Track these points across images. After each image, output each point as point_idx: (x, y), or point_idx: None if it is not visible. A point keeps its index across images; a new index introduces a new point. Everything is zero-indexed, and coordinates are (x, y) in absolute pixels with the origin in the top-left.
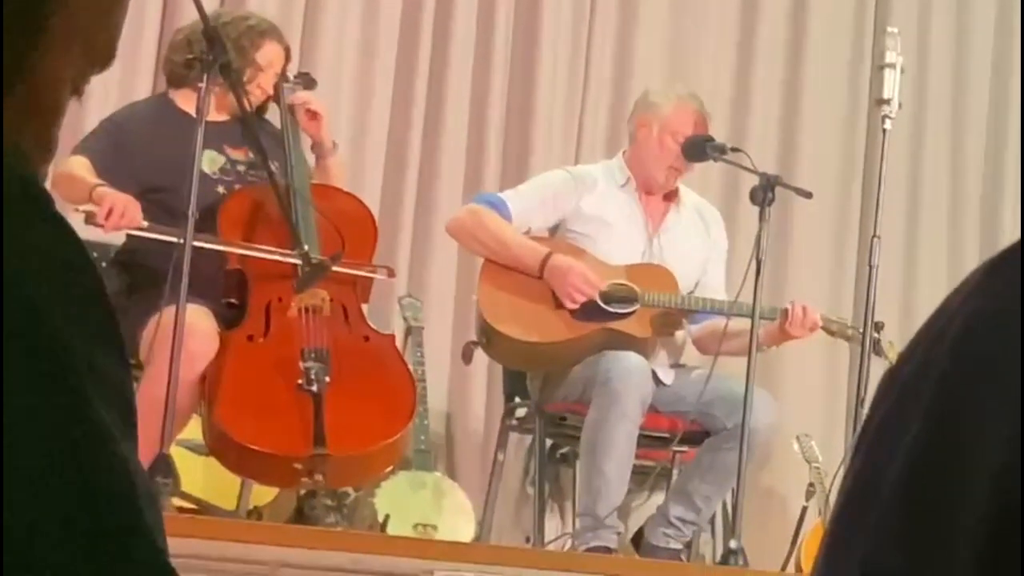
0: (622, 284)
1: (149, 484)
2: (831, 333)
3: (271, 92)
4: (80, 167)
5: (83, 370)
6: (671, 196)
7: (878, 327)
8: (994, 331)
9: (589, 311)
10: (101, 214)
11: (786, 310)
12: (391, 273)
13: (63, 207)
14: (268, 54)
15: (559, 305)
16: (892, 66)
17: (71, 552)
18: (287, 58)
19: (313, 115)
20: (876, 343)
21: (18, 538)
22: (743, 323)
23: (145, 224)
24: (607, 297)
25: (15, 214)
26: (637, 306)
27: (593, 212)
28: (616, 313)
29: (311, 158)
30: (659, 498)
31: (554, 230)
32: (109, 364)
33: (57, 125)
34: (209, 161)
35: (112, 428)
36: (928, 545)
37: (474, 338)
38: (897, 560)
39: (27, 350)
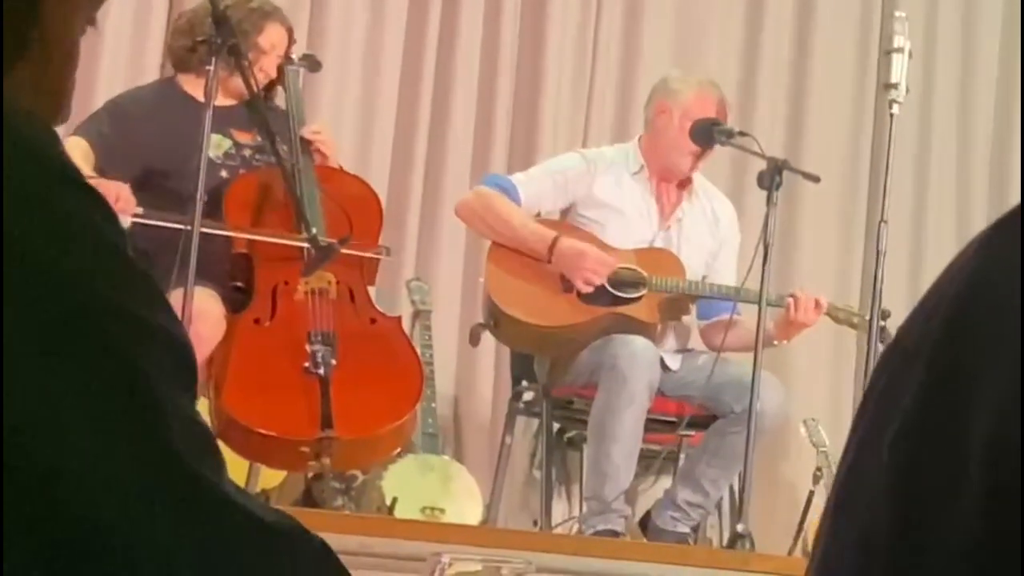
0: (630, 268)
1: (207, 431)
2: (837, 321)
3: (274, 75)
4: (78, 150)
5: (132, 333)
6: (684, 184)
7: (885, 315)
8: (989, 297)
9: (597, 294)
10: None
11: (791, 301)
12: (387, 252)
13: None
14: (271, 37)
15: (567, 289)
16: (900, 50)
17: (153, 519)
18: (291, 39)
19: (323, 156)
20: (882, 330)
21: (100, 520)
22: (751, 319)
23: (140, 210)
24: (615, 281)
25: (45, 191)
26: (645, 290)
27: (604, 198)
28: (624, 297)
29: None
30: (665, 482)
31: (564, 213)
32: (159, 319)
33: (72, 73)
34: (214, 145)
35: (164, 388)
36: (923, 509)
37: (481, 321)
38: (893, 523)
39: (76, 324)
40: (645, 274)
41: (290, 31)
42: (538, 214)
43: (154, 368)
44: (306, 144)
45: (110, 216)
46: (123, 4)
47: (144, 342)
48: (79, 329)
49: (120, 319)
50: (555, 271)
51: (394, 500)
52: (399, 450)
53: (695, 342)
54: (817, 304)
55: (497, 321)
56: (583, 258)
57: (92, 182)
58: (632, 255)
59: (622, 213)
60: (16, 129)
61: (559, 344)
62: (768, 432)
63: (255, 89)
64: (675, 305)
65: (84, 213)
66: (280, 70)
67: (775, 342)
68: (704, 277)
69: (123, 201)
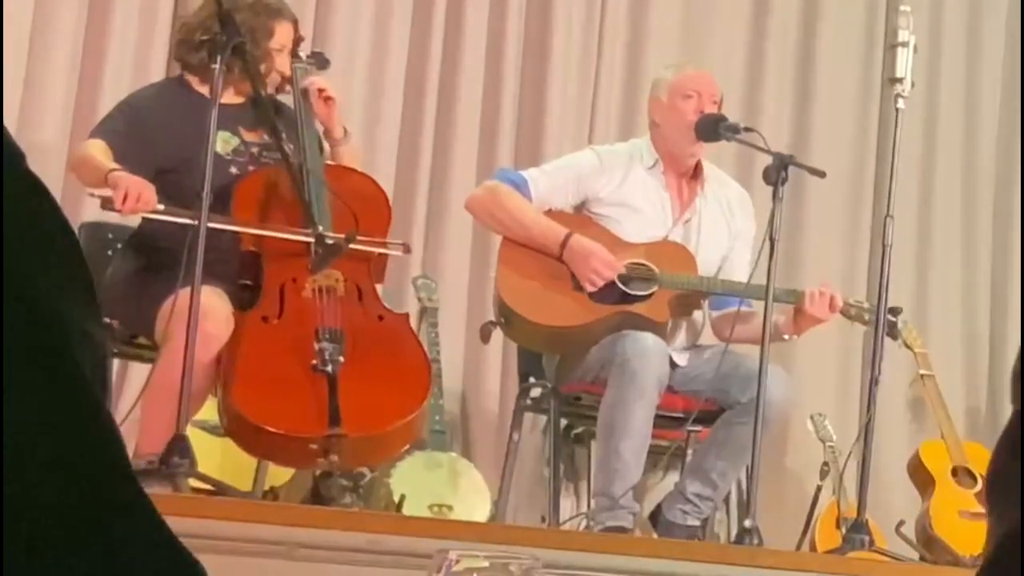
0: (641, 264)
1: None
2: (849, 317)
3: (289, 73)
4: (97, 150)
5: (76, 338)
6: (697, 175)
7: (895, 311)
8: None
9: (607, 292)
10: (117, 198)
11: (804, 293)
12: (406, 249)
13: (80, 190)
14: (280, 37)
15: (577, 287)
16: (905, 45)
17: (75, 520)
18: (296, 32)
19: (327, 100)
20: (892, 326)
21: (21, 518)
22: (762, 312)
23: (161, 207)
24: (625, 277)
25: None
26: (655, 287)
27: (618, 195)
28: (634, 295)
29: (326, 141)
30: (673, 478)
31: (579, 209)
32: (88, 322)
33: None
34: (223, 142)
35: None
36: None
37: (489, 318)
38: None
39: (23, 322)
40: (656, 270)
41: (295, 22)
42: (549, 210)
43: (96, 386)
44: (305, 94)
45: (58, 211)
46: (129, 2)
47: (85, 352)
48: (32, 334)
49: (71, 327)
50: (566, 268)
51: (402, 497)
52: (407, 447)
53: (704, 338)
54: (832, 301)
55: (508, 321)
56: (590, 257)
57: (115, 176)
58: (643, 249)
59: (636, 209)
60: None
61: (569, 343)
62: (773, 422)
63: (260, 88)
64: (686, 300)
65: (34, 209)
66: (288, 67)
67: (785, 336)
68: (719, 269)
69: (143, 200)
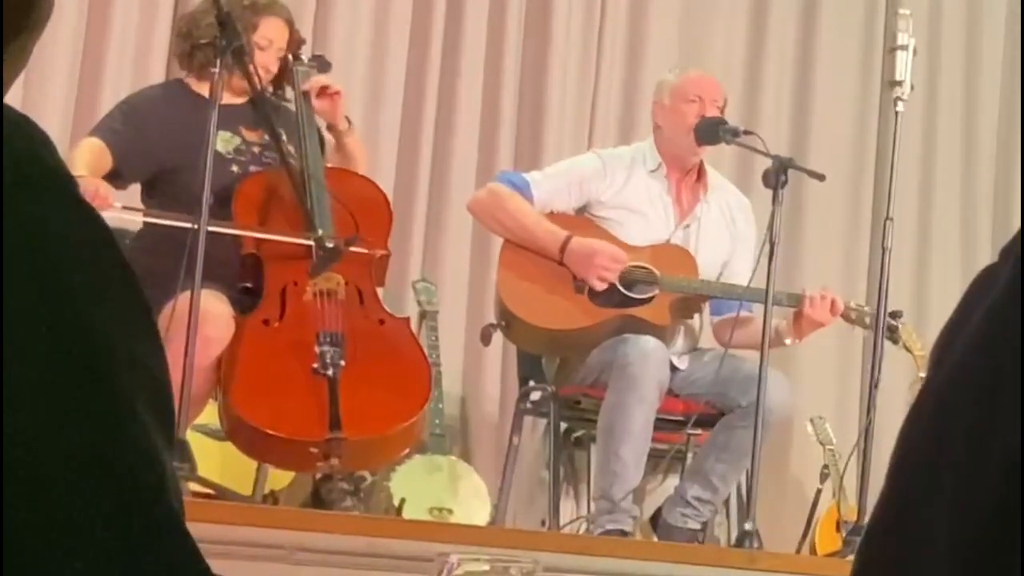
0: (642, 267)
1: (175, 475)
2: (850, 321)
3: (275, 70)
4: (87, 150)
5: (122, 365)
6: (700, 179)
7: (896, 315)
8: None
9: (608, 295)
10: None
11: (804, 296)
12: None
13: None
14: (267, 32)
15: (579, 290)
16: (904, 48)
17: (106, 549)
18: (292, 33)
19: (332, 95)
20: (894, 330)
21: (51, 538)
22: (762, 317)
23: (118, 206)
24: (627, 280)
25: (38, 198)
26: (656, 290)
27: (620, 198)
28: (635, 298)
29: (329, 140)
30: (673, 481)
31: (581, 211)
32: (145, 353)
33: None
34: (223, 141)
35: (151, 430)
36: (961, 443)
37: (489, 321)
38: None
39: (66, 348)
40: (657, 272)
41: (289, 23)
42: (551, 213)
43: (142, 413)
44: (307, 95)
45: (108, 232)
46: (128, 4)
47: (135, 378)
48: (74, 362)
49: (116, 354)
50: (567, 271)
51: (402, 501)
52: (407, 451)
53: (703, 342)
54: (833, 305)
55: (508, 323)
56: (595, 255)
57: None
58: (646, 252)
59: (639, 212)
60: (11, 140)
61: (570, 346)
62: (773, 426)
63: (259, 89)
64: (687, 304)
65: (85, 232)
66: (286, 67)
67: (787, 341)
68: (720, 275)
69: (100, 198)
